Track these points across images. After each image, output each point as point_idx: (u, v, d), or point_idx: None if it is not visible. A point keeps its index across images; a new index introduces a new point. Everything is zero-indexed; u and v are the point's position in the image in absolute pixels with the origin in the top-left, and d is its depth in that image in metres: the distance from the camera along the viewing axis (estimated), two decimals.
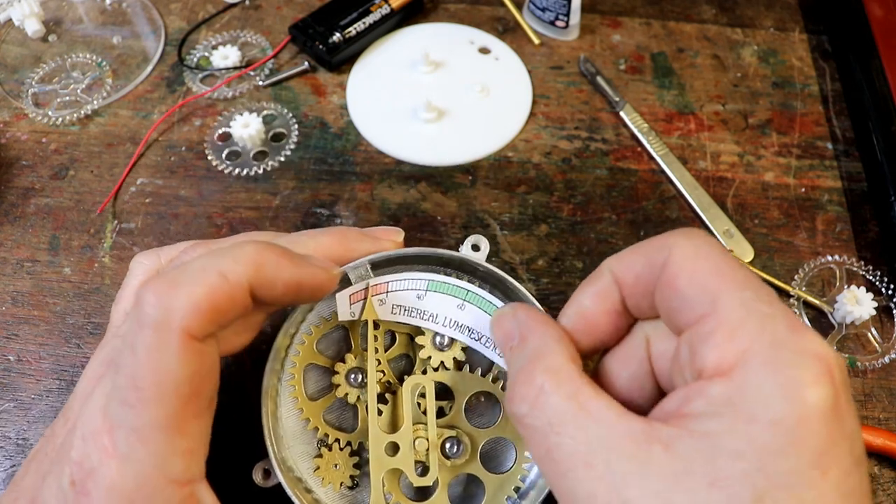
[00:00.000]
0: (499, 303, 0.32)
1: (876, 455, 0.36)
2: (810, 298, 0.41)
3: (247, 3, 0.54)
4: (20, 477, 0.27)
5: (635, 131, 0.47)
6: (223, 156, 0.46)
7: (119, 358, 0.24)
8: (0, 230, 0.42)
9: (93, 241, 0.42)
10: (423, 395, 0.31)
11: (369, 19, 0.51)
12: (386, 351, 0.33)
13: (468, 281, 0.33)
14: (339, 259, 0.31)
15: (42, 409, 0.37)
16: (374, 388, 0.31)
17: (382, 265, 0.33)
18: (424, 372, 0.32)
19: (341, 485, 0.31)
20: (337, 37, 0.50)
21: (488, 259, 0.33)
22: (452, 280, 0.32)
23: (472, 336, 0.31)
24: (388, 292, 0.32)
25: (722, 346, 0.20)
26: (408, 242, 0.34)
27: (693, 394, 0.20)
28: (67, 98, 0.48)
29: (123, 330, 0.26)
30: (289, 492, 0.29)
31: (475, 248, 0.34)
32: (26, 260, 0.41)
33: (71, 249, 0.42)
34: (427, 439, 0.30)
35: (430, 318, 0.32)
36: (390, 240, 0.33)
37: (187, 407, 0.24)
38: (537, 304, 0.32)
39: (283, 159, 0.46)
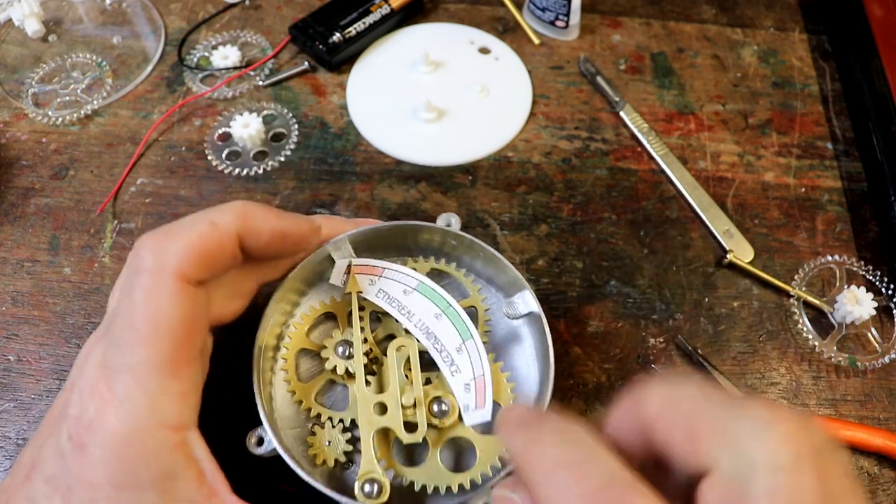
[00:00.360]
0: (476, 336, 0.32)
1: (876, 455, 0.36)
2: (810, 298, 0.41)
3: (247, 3, 0.54)
4: (24, 450, 0.27)
5: (635, 131, 0.47)
6: (223, 156, 0.46)
7: (117, 309, 0.26)
8: (0, 230, 0.42)
9: (93, 241, 0.42)
10: (409, 368, 0.32)
11: (369, 19, 0.51)
12: (373, 332, 0.34)
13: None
14: (322, 239, 0.34)
15: (42, 409, 0.37)
16: (360, 351, 0.32)
17: (365, 248, 0.35)
18: None
19: (336, 462, 0.31)
20: (337, 37, 0.50)
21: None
22: (439, 289, 0.33)
23: (436, 346, 0.32)
24: (380, 277, 0.34)
25: None
26: None
27: None
28: (67, 98, 0.48)
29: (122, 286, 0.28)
30: (282, 453, 0.29)
31: (447, 225, 0.37)
32: (26, 260, 0.41)
33: (71, 249, 0.42)
34: (414, 397, 0.31)
35: (407, 315, 0.33)
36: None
37: (180, 350, 0.25)
38: (515, 270, 0.34)
39: (283, 159, 0.46)
